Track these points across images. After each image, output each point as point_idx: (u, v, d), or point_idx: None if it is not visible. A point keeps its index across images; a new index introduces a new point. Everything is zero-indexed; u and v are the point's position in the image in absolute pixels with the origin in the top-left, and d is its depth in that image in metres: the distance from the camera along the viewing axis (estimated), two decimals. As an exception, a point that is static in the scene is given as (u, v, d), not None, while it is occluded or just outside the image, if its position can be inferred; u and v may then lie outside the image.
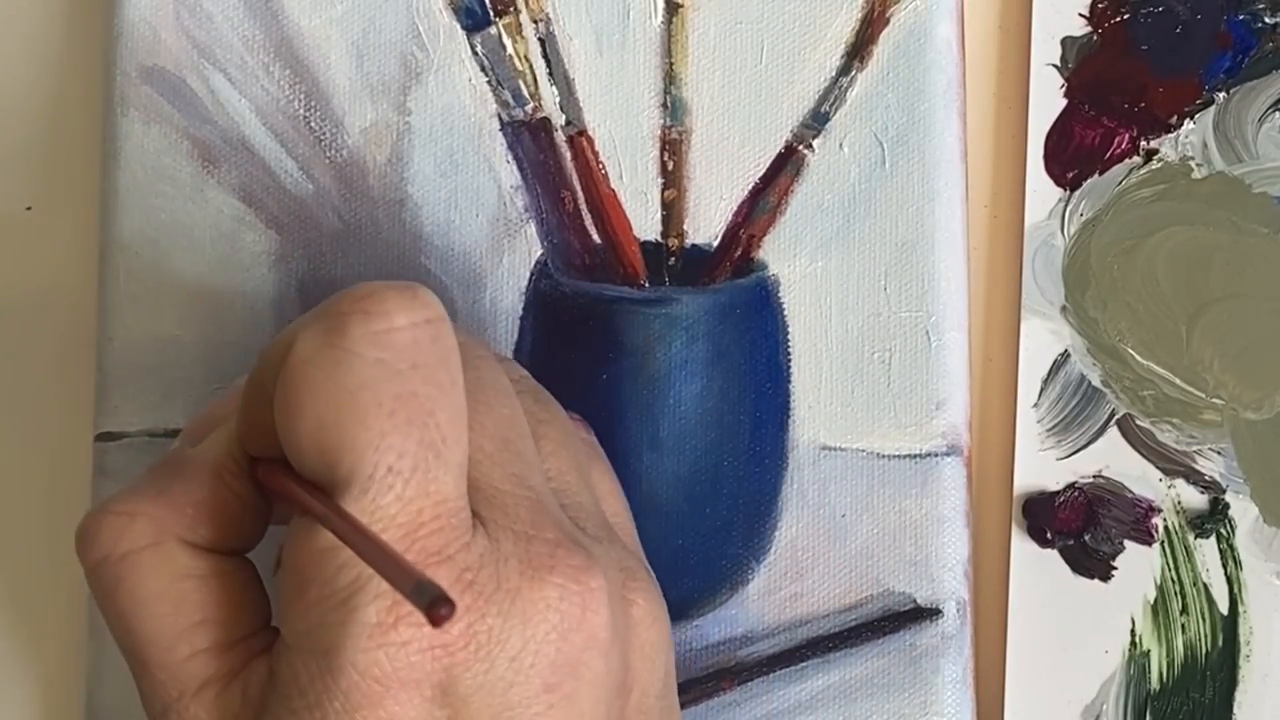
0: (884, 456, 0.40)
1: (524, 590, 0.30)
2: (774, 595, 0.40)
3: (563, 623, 0.30)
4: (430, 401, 0.29)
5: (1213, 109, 0.41)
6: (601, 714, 0.31)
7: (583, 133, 0.41)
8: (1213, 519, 0.40)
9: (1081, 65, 0.41)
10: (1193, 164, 0.41)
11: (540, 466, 0.33)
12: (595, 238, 0.41)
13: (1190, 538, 0.40)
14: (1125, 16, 0.41)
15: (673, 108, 0.41)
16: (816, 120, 0.41)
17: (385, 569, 0.27)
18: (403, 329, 0.29)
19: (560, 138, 0.41)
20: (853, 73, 0.40)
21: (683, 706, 0.38)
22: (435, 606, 0.25)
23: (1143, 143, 0.41)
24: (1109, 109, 0.41)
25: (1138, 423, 0.41)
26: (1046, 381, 0.41)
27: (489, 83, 0.41)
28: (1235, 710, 0.40)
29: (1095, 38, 0.41)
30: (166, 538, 0.31)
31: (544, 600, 0.30)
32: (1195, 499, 0.40)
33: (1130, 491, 0.41)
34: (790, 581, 0.40)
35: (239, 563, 0.32)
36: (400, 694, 0.29)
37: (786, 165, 0.40)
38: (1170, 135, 0.41)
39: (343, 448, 0.29)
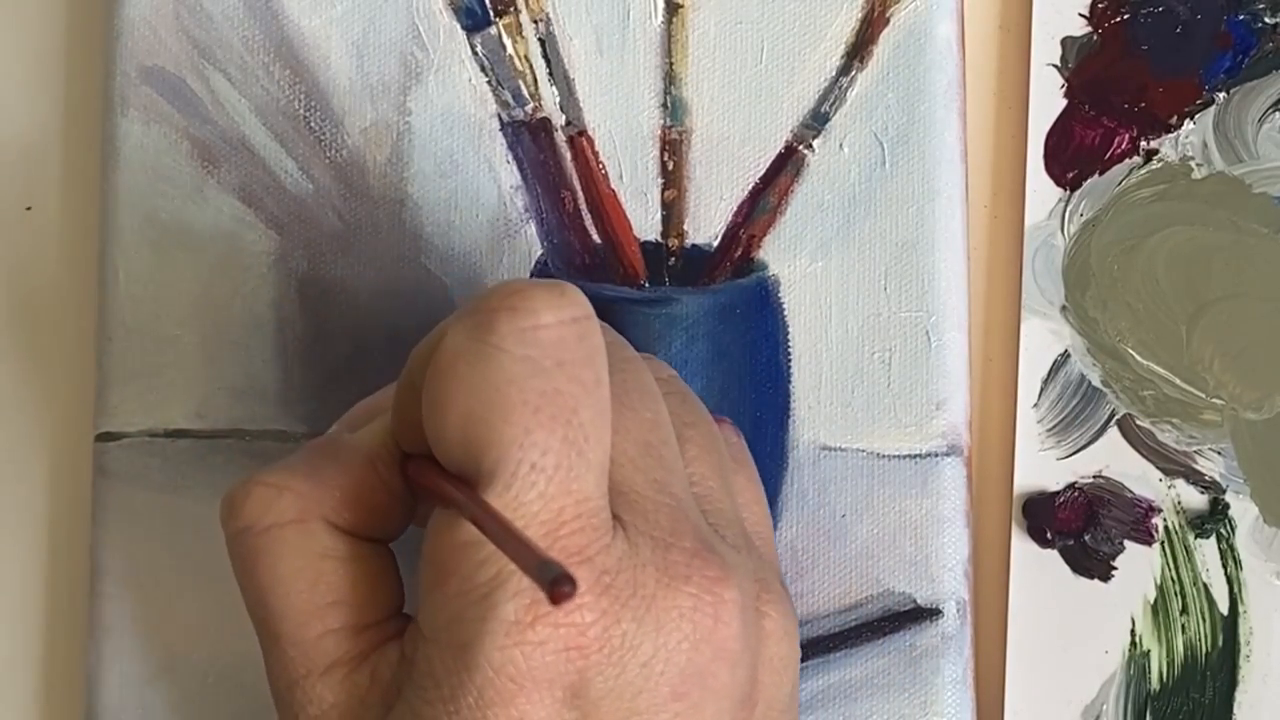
0: (884, 456, 0.40)
1: (659, 598, 0.30)
2: (774, 595, 0.40)
3: (695, 632, 0.30)
4: (574, 399, 0.29)
5: (1213, 109, 0.41)
6: None
7: (583, 133, 0.41)
8: (1213, 519, 0.40)
9: (1081, 65, 0.41)
10: (1193, 164, 0.41)
11: (683, 472, 0.33)
12: (595, 238, 0.41)
13: (1190, 538, 0.40)
14: (1125, 16, 0.41)
15: (673, 108, 0.41)
16: (816, 120, 0.41)
17: (513, 551, 0.27)
18: (549, 326, 0.29)
19: (560, 138, 0.41)
20: (853, 73, 0.40)
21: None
22: (558, 584, 0.25)
23: (1143, 143, 0.41)
24: (1109, 109, 0.41)
25: (1138, 423, 0.41)
26: (1046, 381, 0.41)
27: (489, 83, 0.41)
28: (1235, 710, 0.40)
29: (1095, 38, 0.41)
30: (311, 516, 0.32)
31: (677, 609, 0.30)
32: (1195, 499, 0.40)
33: (1130, 491, 0.41)
34: (790, 581, 0.40)
35: (379, 549, 0.33)
36: (533, 693, 0.29)
37: (786, 165, 0.40)
38: (1170, 135, 0.41)
39: (488, 442, 0.29)
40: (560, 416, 0.29)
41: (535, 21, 0.41)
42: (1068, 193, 0.41)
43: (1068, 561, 0.40)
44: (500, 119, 0.41)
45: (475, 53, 0.41)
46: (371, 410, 0.34)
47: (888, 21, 0.40)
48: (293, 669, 0.31)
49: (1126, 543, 0.40)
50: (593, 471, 0.30)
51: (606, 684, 0.29)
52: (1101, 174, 0.41)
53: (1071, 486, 0.41)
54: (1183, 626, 0.40)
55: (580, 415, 0.29)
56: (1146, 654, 0.40)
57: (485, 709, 0.29)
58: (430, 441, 0.30)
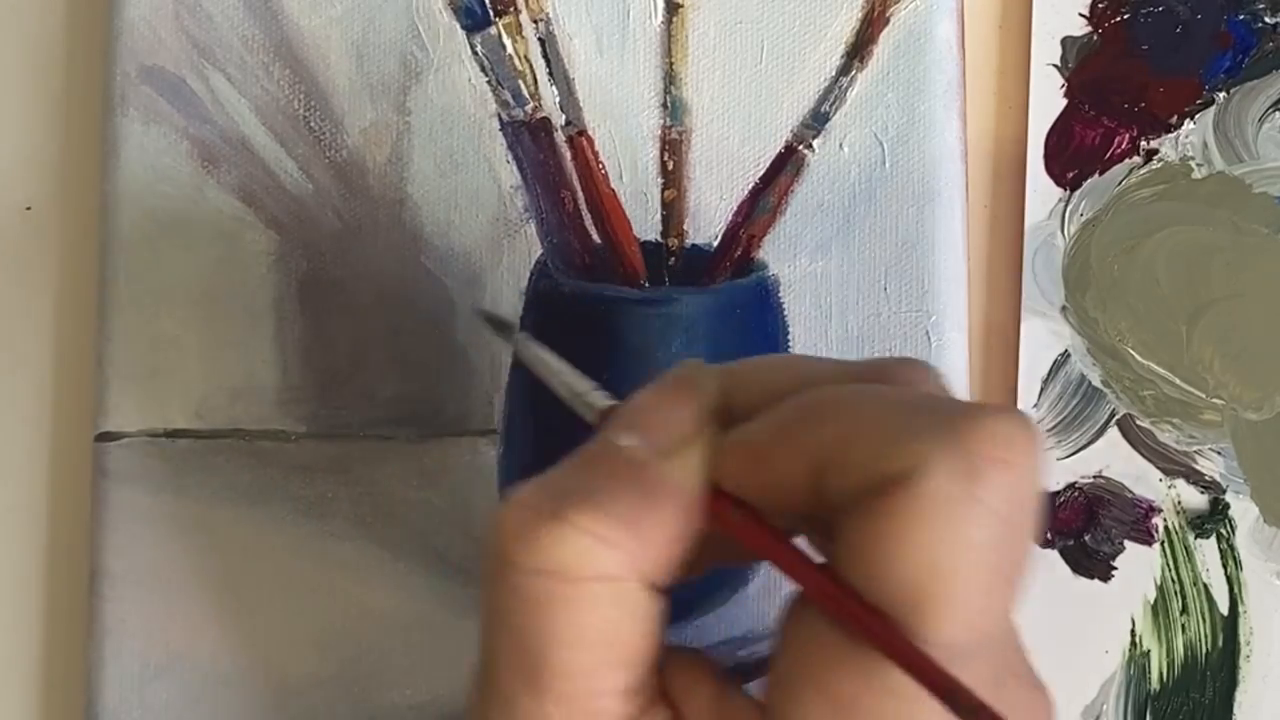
0: (884, 456, 0.40)
1: None
2: (774, 595, 0.40)
3: None
4: (1023, 565, 0.28)
5: (1213, 109, 0.41)
6: None
7: (583, 133, 0.41)
8: (1213, 519, 0.40)
9: (1081, 65, 0.41)
10: (1193, 164, 0.41)
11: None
12: (595, 238, 0.41)
13: (1190, 538, 0.40)
14: (1125, 16, 0.41)
15: (673, 108, 0.41)
16: (816, 120, 0.41)
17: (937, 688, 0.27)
18: (1029, 482, 0.28)
19: (560, 138, 0.41)
20: (853, 73, 0.40)
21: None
22: (974, 715, 0.25)
23: (1143, 143, 0.41)
24: (1109, 109, 0.41)
25: (1138, 423, 0.41)
26: (1046, 381, 0.41)
27: (489, 83, 0.41)
28: (1235, 710, 0.40)
29: (1095, 38, 0.41)
30: (630, 575, 0.28)
31: None
32: (1195, 499, 0.40)
33: (1130, 491, 0.41)
34: (791, 581, 0.40)
35: (666, 602, 0.30)
36: None
37: (786, 165, 0.40)
38: (1170, 135, 0.41)
39: (939, 599, 0.27)
40: (1015, 583, 0.28)
41: (535, 21, 0.41)
42: (1068, 193, 0.41)
43: (1068, 561, 0.40)
44: (500, 119, 0.41)
45: (475, 52, 0.41)
46: (661, 418, 0.30)
47: (888, 21, 0.40)
48: None
49: (1126, 543, 0.40)
50: (1016, 636, 0.29)
51: None
52: (1101, 174, 0.41)
53: (1071, 486, 0.41)
54: (1183, 626, 0.40)
55: (1022, 578, 0.28)
56: (1146, 654, 0.40)
57: None
58: (862, 567, 0.28)
